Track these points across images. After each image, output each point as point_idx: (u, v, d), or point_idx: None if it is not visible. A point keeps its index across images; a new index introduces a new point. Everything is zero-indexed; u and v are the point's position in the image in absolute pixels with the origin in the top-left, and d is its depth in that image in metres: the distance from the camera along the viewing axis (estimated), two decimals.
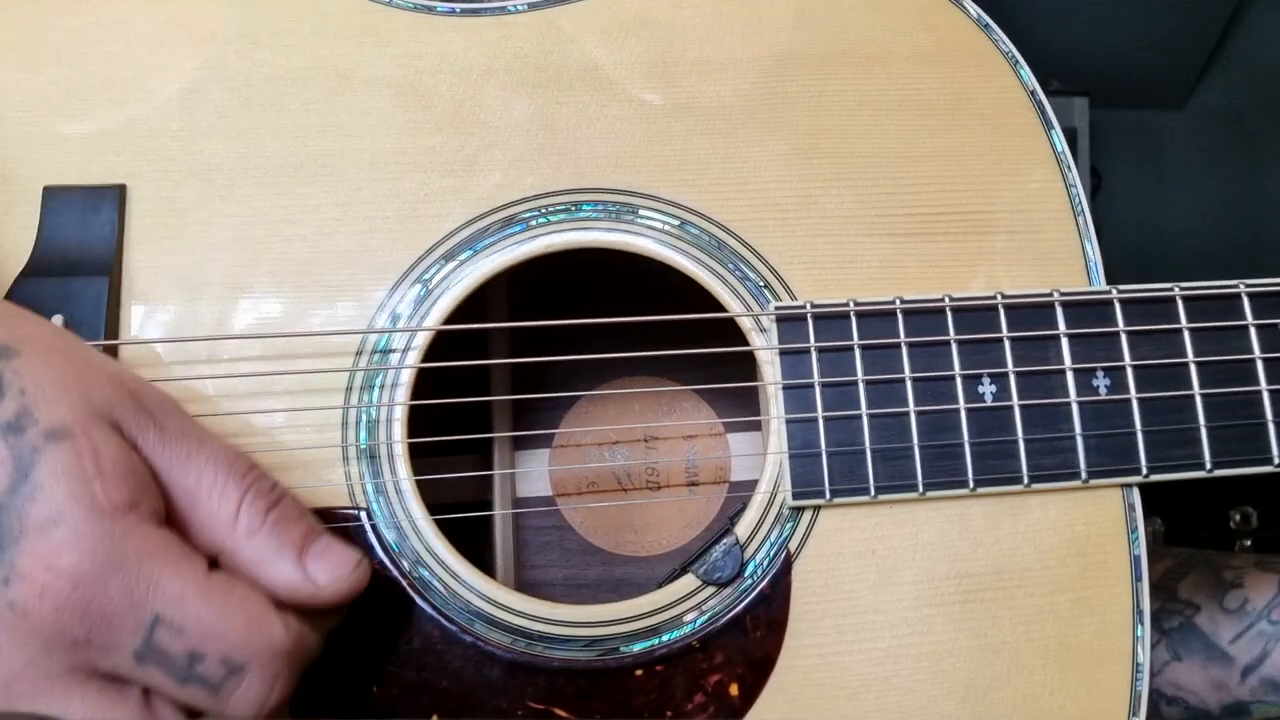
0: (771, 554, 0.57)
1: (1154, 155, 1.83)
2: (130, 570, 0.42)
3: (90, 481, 0.42)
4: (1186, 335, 0.59)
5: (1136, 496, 0.59)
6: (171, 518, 0.46)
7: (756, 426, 0.59)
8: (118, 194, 0.56)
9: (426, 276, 0.58)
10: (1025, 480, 0.57)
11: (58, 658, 0.42)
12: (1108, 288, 0.59)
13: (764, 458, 0.58)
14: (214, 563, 0.46)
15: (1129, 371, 0.58)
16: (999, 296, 0.58)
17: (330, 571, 0.48)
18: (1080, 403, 0.58)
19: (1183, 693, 0.75)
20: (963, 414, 0.57)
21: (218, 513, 0.46)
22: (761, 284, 0.59)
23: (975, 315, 0.58)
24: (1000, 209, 0.60)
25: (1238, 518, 1.13)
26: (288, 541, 0.47)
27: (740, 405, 0.76)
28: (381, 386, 0.57)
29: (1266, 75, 1.75)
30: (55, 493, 0.41)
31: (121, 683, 0.43)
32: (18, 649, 0.41)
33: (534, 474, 0.77)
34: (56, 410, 0.43)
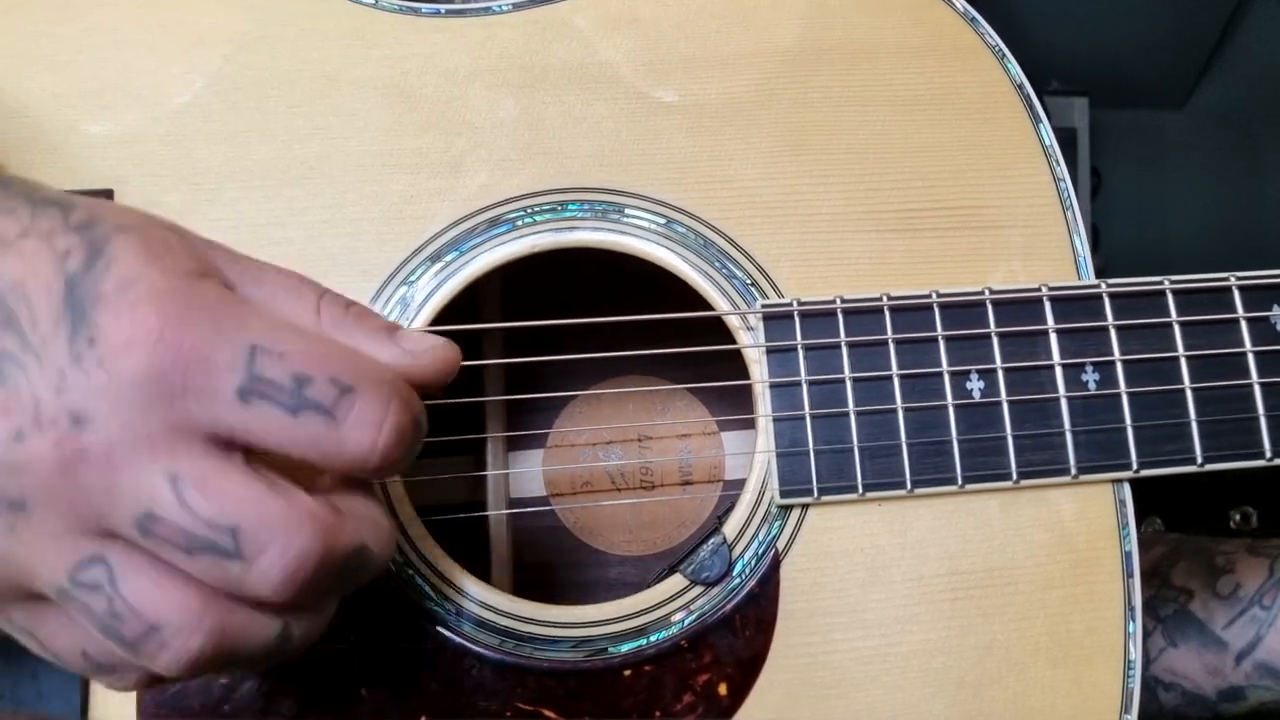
0: (760, 553, 0.57)
1: (1154, 155, 1.82)
2: (216, 310, 0.40)
3: (162, 254, 0.41)
4: (1176, 329, 0.58)
5: (1127, 492, 0.58)
6: None
7: (750, 425, 0.58)
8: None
9: (413, 278, 0.58)
10: (1014, 477, 0.57)
11: (156, 416, 0.39)
12: (1096, 282, 0.59)
13: (752, 456, 0.58)
14: None
15: (1118, 366, 0.58)
16: (987, 292, 0.58)
17: (422, 342, 0.46)
18: (1069, 398, 0.57)
19: (1179, 679, 0.75)
20: (951, 411, 0.57)
21: (298, 311, 0.45)
22: (749, 282, 0.59)
23: (963, 311, 0.58)
24: (988, 204, 0.60)
25: (1238, 518, 1.12)
26: (374, 325, 0.46)
27: (734, 404, 0.76)
28: None
29: (1266, 75, 1.74)
30: (129, 260, 0.40)
31: (227, 446, 0.40)
32: (112, 415, 0.38)
33: (528, 474, 0.77)
34: (124, 216, 0.42)
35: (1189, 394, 0.58)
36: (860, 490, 0.56)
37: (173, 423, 0.39)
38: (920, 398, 0.57)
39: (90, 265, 0.40)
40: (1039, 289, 0.58)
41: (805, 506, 0.57)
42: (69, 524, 0.39)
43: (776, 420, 0.57)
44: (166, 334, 0.39)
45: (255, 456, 0.41)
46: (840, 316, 0.57)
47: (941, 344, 0.58)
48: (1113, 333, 0.58)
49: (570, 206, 0.59)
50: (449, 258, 0.58)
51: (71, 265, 0.40)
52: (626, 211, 0.59)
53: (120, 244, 0.40)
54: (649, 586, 0.57)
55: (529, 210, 0.59)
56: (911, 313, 0.58)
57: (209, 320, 0.40)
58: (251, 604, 0.40)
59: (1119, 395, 0.58)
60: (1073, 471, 0.57)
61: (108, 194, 0.57)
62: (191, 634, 0.39)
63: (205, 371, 0.39)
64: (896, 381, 0.57)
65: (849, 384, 0.57)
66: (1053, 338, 0.58)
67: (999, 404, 0.57)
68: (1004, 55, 0.62)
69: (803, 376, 0.57)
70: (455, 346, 0.48)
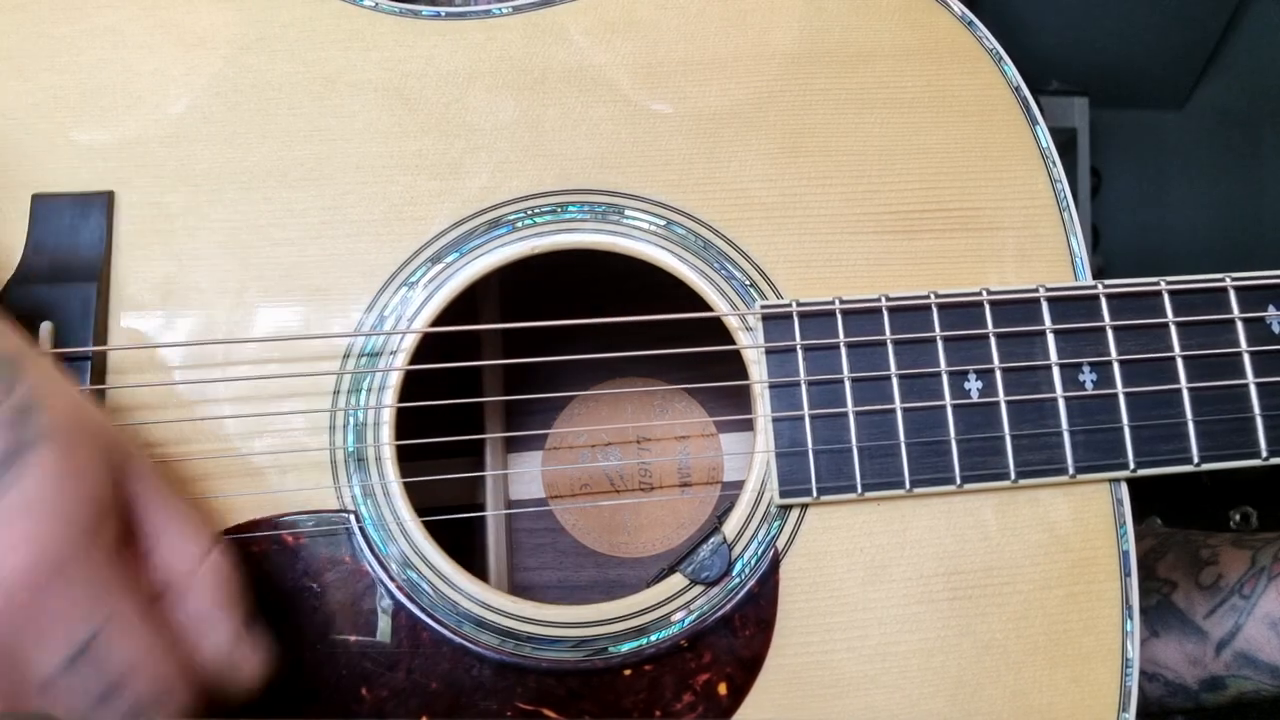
0: (759, 553, 0.57)
1: (1154, 155, 1.82)
2: (80, 581, 0.41)
3: (69, 489, 0.42)
4: (1173, 329, 0.58)
5: (1125, 492, 0.58)
6: (131, 548, 0.46)
7: (749, 426, 0.58)
8: (106, 201, 0.57)
9: (413, 279, 0.58)
10: (1012, 476, 0.57)
11: None
12: (1093, 283, 0.59)
13: (751, 457, 0.58)
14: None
15: (1115, 366, 0.58)
16: (984, 293, 0.58)
17: (255, 658, 0.48)
18: (1067, 398, 0.58)
19: (1161, 669, 0.75)
20: (949, 411, 0.57)
21: (181, 555, 0.46)
22: (747, 283, 0.59)
23: (961, 312, 0.58)
24: (985, 205, 0.60)
25: (1238, 518, 1.12)
26: (234, 611, 0.47)
27: (733, 405, 0.76)
28: (369, 389, 0.57)
29: (1266, 75, 1.74)
30: (34, 486, 0.41)
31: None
32: None
33: (527, 476, 0.77)
34: (60, 415, 0.43)
35: (1185, 394, 0.58)
36: (859, 490, 0.57)
37: None
38: (918, 398, 0.57)
39: None
40: (1036, 290, 0.58)
41: (804, 506, 0.57)
42: None
43: (776, 420, 0.57)
44: (25, 589, 0.40)
45: None
46: (839, 317, 0.58)
47: (940, 344, 0.58)
48: (1109, 333, 0.58)
49: (570, 208, 0.59)
50: (449, 259, 0.58)
51: None
52: (626, 213, 0.59)
53: (37, 459, 0.41)
54: (649, 586, 0.58)
55: (529, 212, 0.59)
56: (910, 313, 0.58)
57: (67, 589, 0.41)
58: None
59: (1116, 395, 0.58)
60: (1070, 471, 0.57)
61: (109, 196, 0.57)
62: None
63: (39, 638, 0.41)
64: (895, 382, 0.57)
65: (848, 384, 0.57)
66: (1050, 338, 0.58)
67: (997, 404, 0.57)
68: (1001, 58, 0.62)
69: (802, 377, 0.57)
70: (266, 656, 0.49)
